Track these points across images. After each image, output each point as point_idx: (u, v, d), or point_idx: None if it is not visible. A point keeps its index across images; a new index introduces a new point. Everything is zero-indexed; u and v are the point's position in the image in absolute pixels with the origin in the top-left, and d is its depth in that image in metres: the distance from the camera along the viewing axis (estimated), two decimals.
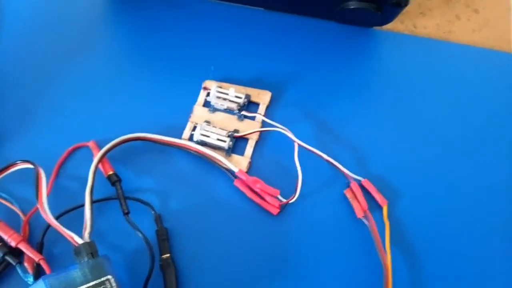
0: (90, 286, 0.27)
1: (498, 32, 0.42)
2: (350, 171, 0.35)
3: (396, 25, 0.42)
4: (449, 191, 0.35)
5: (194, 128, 0.36)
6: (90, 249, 0.29)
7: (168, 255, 0.32)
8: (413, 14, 0.43)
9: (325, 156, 0.35)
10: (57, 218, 0.30)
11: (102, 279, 0.27)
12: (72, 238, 0.29)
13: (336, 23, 0.41)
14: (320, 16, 0.41)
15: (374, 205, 0.34)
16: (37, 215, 0.32)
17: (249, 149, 0.36)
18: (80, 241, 0.29)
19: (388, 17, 0.39)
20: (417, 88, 0.39)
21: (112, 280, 0.28)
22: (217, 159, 0.35)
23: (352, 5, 0.37)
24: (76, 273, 0.27)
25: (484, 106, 0.38)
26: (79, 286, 0.27)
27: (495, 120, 0.38)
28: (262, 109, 0.37)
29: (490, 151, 0.36)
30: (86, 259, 0.28)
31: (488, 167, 0.36)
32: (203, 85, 0.38)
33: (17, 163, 0.31)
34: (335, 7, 0.38)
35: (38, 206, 0.29)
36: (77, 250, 0.29)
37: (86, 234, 0.29)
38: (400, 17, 0.40)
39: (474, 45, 0.41)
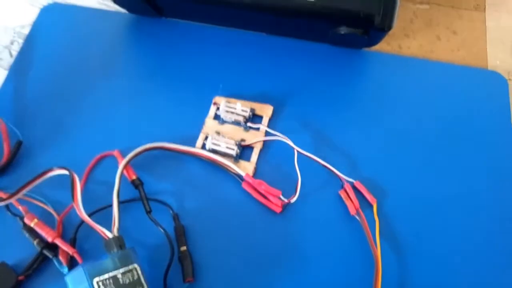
0: (119, 272, 0.30)
1: (475, 51, 0.46)
2: (344, 174, 0.38)
3: (383, 46, 0.45)
4: (430, 190, 0.38)
5: (206, 138, 0.39)
6: (119, 242, 0.32)
7: (185, 248, 0.35)
8: (398, 36, 0.46)
9: (321, 161, 0.38)
10: (88, 216, 0.33)
11: (130, 267, 0.31)
12: (103, 232, 0.33)
13: (330, 45, 0.44)
14: (315, 39, 0.44)
15: (365, 204, 0.37)
16: (69, 215, 0.36)
17: (254, 156, 0.39)
18: (110, 235, 0.32)
19: (375, 40, 0.42)
20: (402, 101, 0.42)
21: (138, 269, 0.31)
22: (226, 165, 0.38)
23: (343, 30, 0.40)
24: (108, 262, 0.31)
25: (461, 115, 0.41)
26: (111, 272, 0.30)
27: (471, 127, 0.41)
28: (265, 121, 0.40)
29: (467, 155, 0.40)
30: (115, 250, 0.32)
31: (465, 169, 0.39)
32: (213, 101, 0.41)
33: (53, 169, 0.35)
34: (328, 32, 0.41)
35: (74, 205, 0.33)
36: (107, 243, 0.32)
37: (115, 229, 0.33)
38: (386, 39, 0.43)
39: (453, 63, 0.45)
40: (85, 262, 0.31)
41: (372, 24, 0.39)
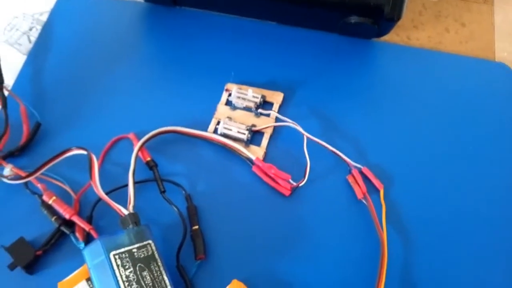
0: (135, 247, 0.32)
1: (482, 43, 0.47)
2: (352, 160, 0.39)
3: (392, 37, 0.46)
4: (436, 178, 0.39)
5: (218, 123, 0.40)
6: (134, 218, 0.33)
7: (197, 227, 0.36)
8: (407, 27, 0.47)
9: (330, 147, 0.39)
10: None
11: (144, 242, 0.32)
12: (120, 209, 0.34)
13: (339, 35, 0.45)
14: (325, 29, 0.45)
15: (372, 189, 0.38)
16: (85, 194, 0.37)
17: (264, 141, 0.40)
18: (126, 212, 0.34)
19: (384, 30, 0.43)
20: (410, 90, 0.43)
21: (152, 244, 0.32)
22: (237, 149, 0.39)
23: (353, 19, 0.41)
24: (123, 237, 0.32)
25: (468, 105, 0.42)
26: (127, 246, 0.31)
27: (478, 117, 0.42)
28: (275, 107, 0.41)
29: (473, 144, 0.40)
30: (131, 226, 0.33)
31: (470, 157, 0.40)
32: (225, 87, 0.42)
33: (72, 149, 0.36)
34: (338, 21, 0.42)
35: (91, 182, 0.34)
36: (123, 220, 0.33)
37: (130, 207, 0.34)
38: (395, 29, 0.44)
39: (461, 54, 0.45)
40: (102, 236, 0.32)
41: (382, 14, 0.40)
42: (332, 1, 0.40)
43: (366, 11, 0.40)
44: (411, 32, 0.47)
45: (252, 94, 0.41)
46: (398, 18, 0.40)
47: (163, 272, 0.32)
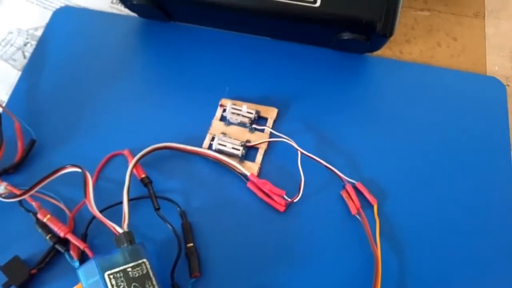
0: (129, 266, 0.32)
1: (474, 57, 0.47)
2: (345, 175, 0.39)
3: (384, 51, 0.46)
4: (428, 192, 0.39)
5: (213, 139, 0.40)
6: (129, 237, 0.33)
7: (192, 244, 0.36)
8: (400, 42, 0.48)
9: (323, 162, 0.39)
10: (99, 213, 0.35)
11: (139, 261, 0.32)
12: (114, 228, 0.34)
13: (333, 50, 0.45)
14: (319, 44, 0.45)
15: (366, 204, 0.38)
16: (80, 211, 0.37)
17: (259, 156, 0.40)
18: (120, 230, 0.33)
19: (377, 46, 0.43)
20: (403, 105, 0.43)
21: (147, 263, 0.32)
22: (232, 165, 0.39)
23: (345, 36, 0.41)
24: (118, 256, 0.32)
25: (460, 119, 0.42)
26: (121, 266, 0.31)
27: (470, 131, 0.42)
28: (270, 123, 0.41)
29: (465, 158, 0.41)
30: (125, 245, 0.33)
31: (463, 172, 0.40)
32: (219, 103, 0.42)
33: (66, 167, 0.36)
34: (332, 37, 0.43)
35: (86, 201, 0.34)
36: (118, 238, 0.33)
37: (125, 225, 0.34)
38: (388, 44, 0.44)
39: (453, 68, 0.46)
40: (96, 256, 0.32)
41: (374, 30, 0.40)
42: (325, 18, 0.41)
43: (358, 27, 0.41)
44: (403, 47, 0.48)
45: (247, 110, 0.41)
46: (390, 34, 0.41)
47: None
